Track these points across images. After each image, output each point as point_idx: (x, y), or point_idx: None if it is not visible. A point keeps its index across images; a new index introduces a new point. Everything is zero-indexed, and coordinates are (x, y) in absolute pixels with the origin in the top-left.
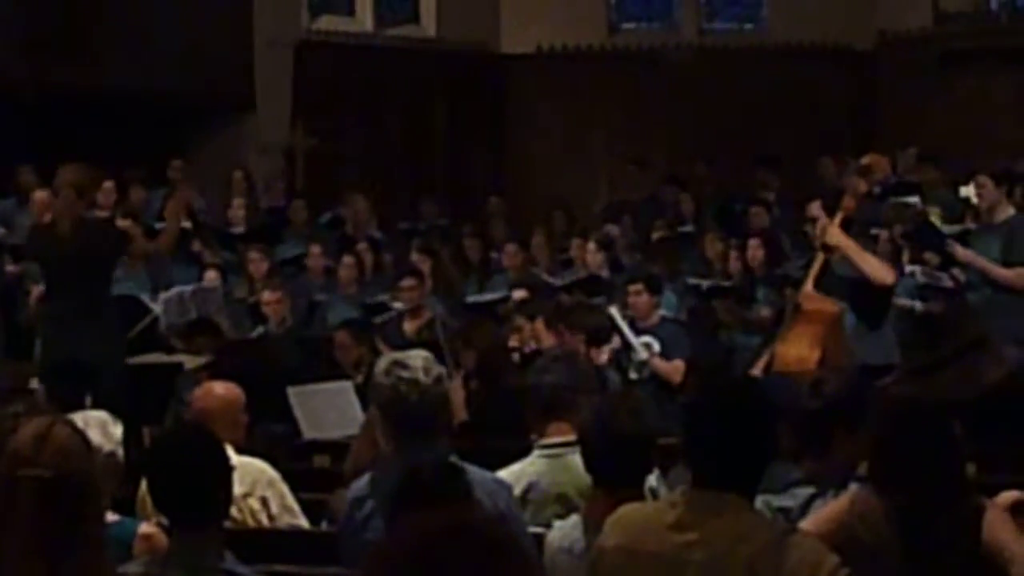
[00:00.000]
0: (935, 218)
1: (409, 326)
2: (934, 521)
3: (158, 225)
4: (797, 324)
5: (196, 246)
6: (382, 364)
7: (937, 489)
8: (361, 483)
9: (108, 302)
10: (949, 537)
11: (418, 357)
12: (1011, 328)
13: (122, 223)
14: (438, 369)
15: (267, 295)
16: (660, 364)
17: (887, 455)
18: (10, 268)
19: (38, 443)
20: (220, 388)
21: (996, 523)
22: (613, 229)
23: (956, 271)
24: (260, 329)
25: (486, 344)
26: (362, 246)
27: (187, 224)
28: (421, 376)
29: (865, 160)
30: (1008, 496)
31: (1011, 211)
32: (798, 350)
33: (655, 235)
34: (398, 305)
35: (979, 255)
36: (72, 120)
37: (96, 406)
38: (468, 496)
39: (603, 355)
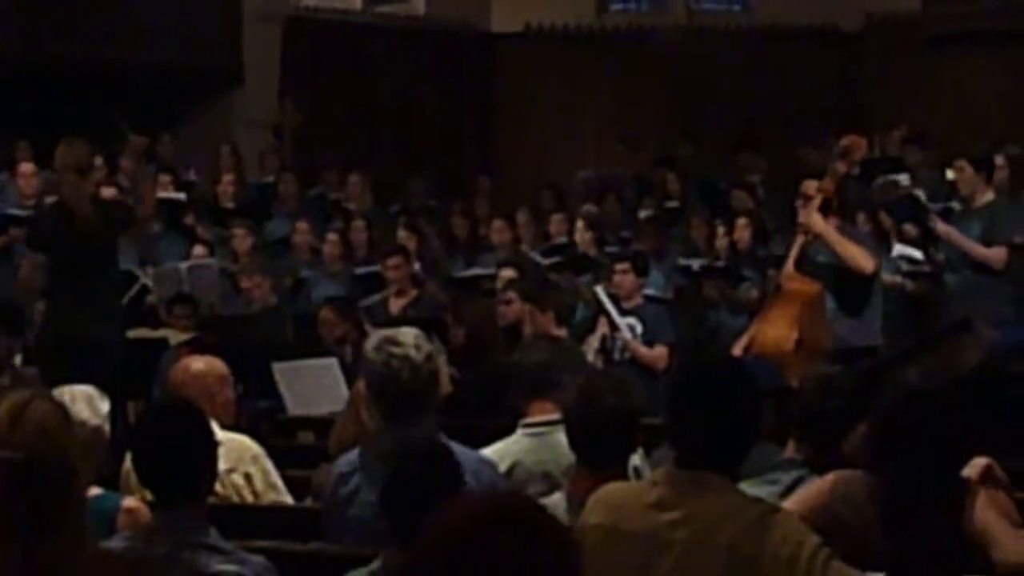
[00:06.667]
0: (921, 197)
1: (395, 305)
2: (918, 502)
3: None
4: (777, 304)
5: (190, 220)
6: (372, 340)
7: (927, 473)
8: (347, 459)
9: (114, 281)
10: (932, 518)
11: (409, 334)
12: (988, 310)
13: (106, 192)
14: (428, 346)
15: (246, 281)
16: (643, 351)
17: (884, 439)
18: None
19: (12, 422)
20: (198, 363)
21: (980, 504)
22: (592, 208)
23: (935, 252)
24: (246, 306)
25: (476, 320)
26: (358, 223)
27: (181, 196)
28: (412, 353)
29: (844, 142)
30: (978, 464)
31: (991, 195)
32: (776, 330)
33: (643, 214)
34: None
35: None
36: (61, 95)
37: (90, 384)
38: (459, 477)
39: (593, 342)
